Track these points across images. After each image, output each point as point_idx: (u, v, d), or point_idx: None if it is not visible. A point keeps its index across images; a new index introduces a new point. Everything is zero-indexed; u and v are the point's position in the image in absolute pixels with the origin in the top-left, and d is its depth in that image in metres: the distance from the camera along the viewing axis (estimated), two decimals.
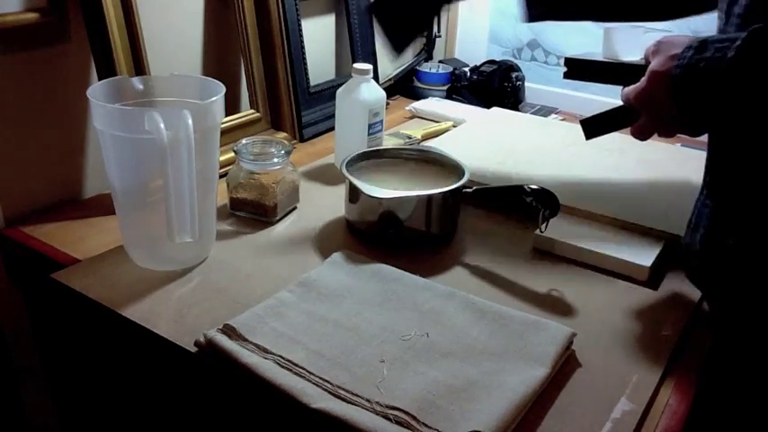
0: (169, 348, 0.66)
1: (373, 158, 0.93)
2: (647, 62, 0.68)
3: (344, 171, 0.86)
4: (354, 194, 0.85)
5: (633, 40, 0.77)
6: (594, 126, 0.78)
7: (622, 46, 0.77)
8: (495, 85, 1.41)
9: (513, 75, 1.42)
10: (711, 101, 0.61)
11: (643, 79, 0.67)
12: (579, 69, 0.78)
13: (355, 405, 0.57)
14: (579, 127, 0.79)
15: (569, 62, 0.78)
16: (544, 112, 1.43)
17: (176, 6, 1.03)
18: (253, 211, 0.89)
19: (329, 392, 0.58)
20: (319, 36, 1.32)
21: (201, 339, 0.64)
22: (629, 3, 0.90)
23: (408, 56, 1.55)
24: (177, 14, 1.03)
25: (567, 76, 0.78)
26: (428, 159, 0.93)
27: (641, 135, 0.72)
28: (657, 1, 0.87)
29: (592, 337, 0.69)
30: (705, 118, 0.64)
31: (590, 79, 0.80)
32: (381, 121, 1.05)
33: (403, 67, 1.51)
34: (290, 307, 0.69)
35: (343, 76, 1.32)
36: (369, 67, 1.02)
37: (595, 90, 1.21)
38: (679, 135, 0.72)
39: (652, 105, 0.67)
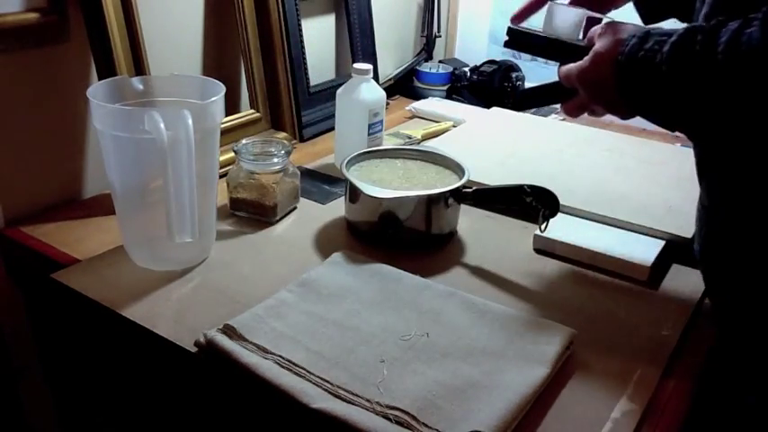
0: (169, 348, 0.66)
1: (373, 158, 0.93)
2: (590, 43, 0.67)
3: (344, 171, 0.86)
4: (354, 194, 0.85)
5: (573, 20, 0.77)
6: (529, 98, 0.80)
7: (562, 23, 0.77)
8: (495, 85, 1.41)
9: (513, 75, 1.42)
10: (650, 92, 0.60)
11: (586, 58, 0.66)
12: (519, 40, 0.78)
13: (355, 405, 0.57)
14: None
15: (511, 32, 0.78)
16: (544, 112, 1.43)
17: (176, 6, 1.03)
18: (253, 211, 0.89)
19: (329, 392, 0.58)
20: (319, 36, 1.32)
21: (201, 339, 0.64)
22: None
23: (408, 55, 1.55)
24: (177, 14, 1.03)
25: (506, 44, 0.79)
26: (428, 159, 0.93)
27: (574, 112, 0.72)
28: None
29: (592, 337, 0.69)
30: (644, 107, 0.63)
31: (528, 51, 0.81)
32: (381, 121, 1.05)
33: (403, 67, 1.51)
34: (290, 307, 0.69)
35: (343, 76, 1.32)
36: (369, 67, 1.02)
37: None
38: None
39: (593, 86, 0.66)
